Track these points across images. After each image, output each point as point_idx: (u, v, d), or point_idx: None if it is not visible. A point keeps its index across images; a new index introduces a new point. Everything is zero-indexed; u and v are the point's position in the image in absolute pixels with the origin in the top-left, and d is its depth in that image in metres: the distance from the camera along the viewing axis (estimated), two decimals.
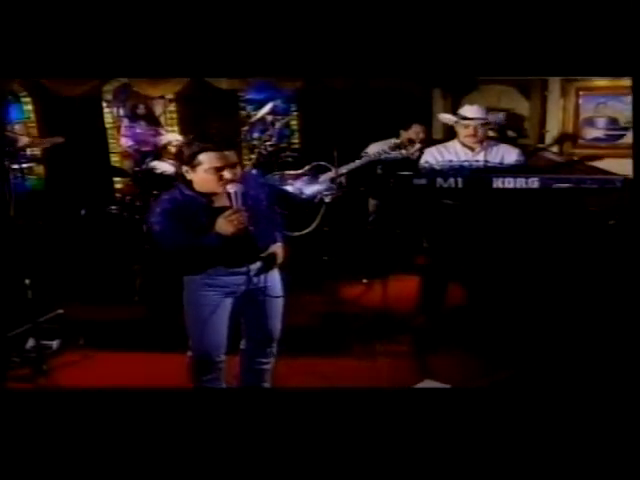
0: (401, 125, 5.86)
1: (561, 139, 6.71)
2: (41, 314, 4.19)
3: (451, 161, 4.34)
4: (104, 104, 6.90)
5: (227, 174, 2.85)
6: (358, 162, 5.29)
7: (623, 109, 6.08)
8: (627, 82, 4.23)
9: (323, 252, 5.29)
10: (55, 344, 4.27)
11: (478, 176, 3.86)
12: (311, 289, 5.14)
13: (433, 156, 4.42)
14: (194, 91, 6.79)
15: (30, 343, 4.11)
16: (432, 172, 4.26)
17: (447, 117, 4.77)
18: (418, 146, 5.51)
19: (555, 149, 6.64)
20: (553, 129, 6.75)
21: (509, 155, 4.36)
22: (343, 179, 5.30)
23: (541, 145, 6.71)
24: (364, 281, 5.46)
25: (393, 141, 5.41)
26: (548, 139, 6.75)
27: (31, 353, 4.07)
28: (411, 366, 4.03)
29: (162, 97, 6.88)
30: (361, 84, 6.49)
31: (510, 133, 6.90)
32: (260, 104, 6.88)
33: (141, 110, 6.86)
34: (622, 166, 4.09)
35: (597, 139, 6.57)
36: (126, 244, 5.41)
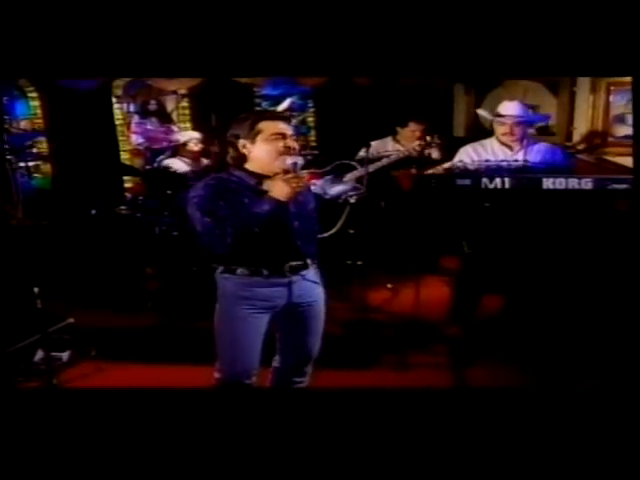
0: (398, 122, 5.65)
1: (590, 137, 6.44)
2: (50, 324, 3.92)
3: (488, 161, 4.06)
4: (114, 100, 6.62)
5: (289, 142, 2.69)
6: (385, 160, 5.02)
7: None
8: None
9: (347, 256, 5.00)
10: (65, 356, 4.01)
11: (526, 176, 3.56)
12: (335, 295, 4.86)
13: (468, 155, 4.16)
14: (208, 86, 6.54)
15: (39, 355, 3.85)
16: (467, 172, 3.99)
17: (484, 114, 4.47)
18: (417, 142, 5.25)
19: (583, 147, 6.37)
20: (581, 126, 6.49)
21: (551, 154, 4.11)
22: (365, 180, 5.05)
23: (569, 143, 6.44)
24: (389, 286, 5.19)
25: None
26: (576, 137, 6.47)
27: (40, 365, 3.81)
28: (448, 379, 3.76)
29: (174, 92, 6.62)
30: (384, 80, 6.25)
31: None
32: (276, 100, 6.67)
33: (152, 106, 6.65)
34: None
35: (628, 137, 6.29)
36: (139, 246, 5.15)
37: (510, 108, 4.13)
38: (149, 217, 5.06)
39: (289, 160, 2.65)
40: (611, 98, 6.32)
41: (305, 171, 2.78)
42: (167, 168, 5.14)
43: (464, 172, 3.99)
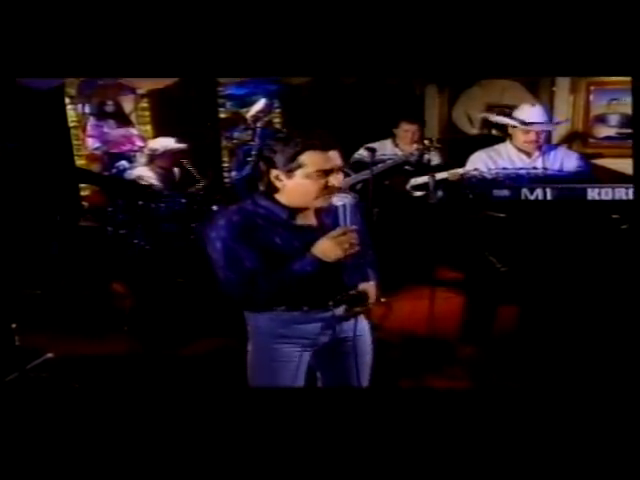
0: (392, 124, 5.37)
1: (570, 138, 6.30)
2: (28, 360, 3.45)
3: (505, 168, 3.80)
4: (67, 100, 6.06)
5: (333, 180, 2.19)
6: (381, 166, 4.74)
7: None
8: None
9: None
10: None
11: (569, 187, 3.29)
12: None
13: (484, 162, 3.89)
14: (169, 86, 6.08)
15: None
16: (484, 182, 3.72)
17: (505, 121, 4.12)
18: (415, 146, 5.00)
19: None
20: (561, 127, 6.33)
21: (569, 160, 3.91)
22: (359, 186, 4.77)
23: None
24: (382, 300, 4.86)
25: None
26: (556, 138, 6.31)
27: None
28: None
29: (133, 92, 6.13)
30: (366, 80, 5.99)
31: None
32: (242, 100, 6.33)
33: (109, 107, 6.17)
34: None
35: (609, 138, 6.19)
36: (109, 261, 4.69)
37: (535, 115, 3.87)
38: (120, 230, 4.61)
39: (336, 200, 2.19)
40: (591, 98, 6.21)
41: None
42: (139, 178, 4.68)
43: (482, 182, 3.72)
